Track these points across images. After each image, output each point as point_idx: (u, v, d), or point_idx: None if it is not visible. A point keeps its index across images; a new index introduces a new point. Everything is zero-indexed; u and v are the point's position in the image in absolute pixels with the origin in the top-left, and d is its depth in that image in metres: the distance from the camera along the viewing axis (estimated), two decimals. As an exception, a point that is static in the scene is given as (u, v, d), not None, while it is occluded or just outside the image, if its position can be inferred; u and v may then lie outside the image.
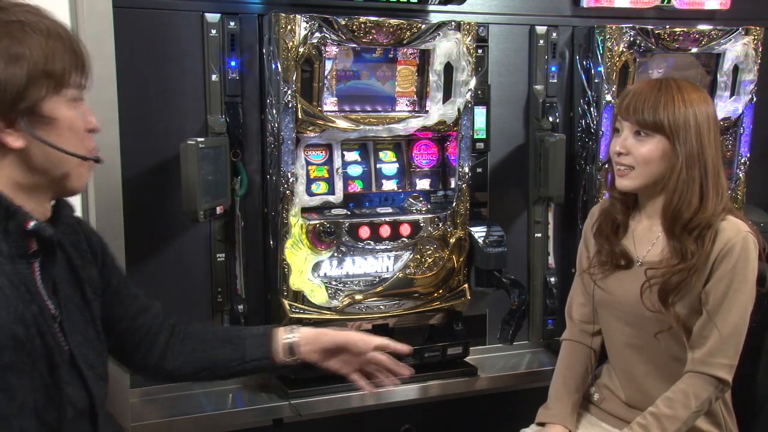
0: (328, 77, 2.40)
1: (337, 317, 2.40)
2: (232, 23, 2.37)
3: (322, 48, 2.31)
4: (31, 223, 1.32)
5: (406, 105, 2.54)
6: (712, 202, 1.91)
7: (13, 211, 1.31)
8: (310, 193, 2.44)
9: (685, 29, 2.70)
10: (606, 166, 2.14)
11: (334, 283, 2.41)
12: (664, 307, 1.92)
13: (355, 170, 2.54)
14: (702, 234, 1.91)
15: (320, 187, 2.47)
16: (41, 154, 1.33)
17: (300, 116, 2.30)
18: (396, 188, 2.58)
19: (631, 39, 2.64)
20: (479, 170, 2.71)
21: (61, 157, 1.35)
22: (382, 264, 2.46)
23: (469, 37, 2.46)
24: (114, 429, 1.62)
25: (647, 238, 2.03)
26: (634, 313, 1.99)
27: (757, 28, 2.80)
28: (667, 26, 2.70)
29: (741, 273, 1.89)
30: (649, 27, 2.67)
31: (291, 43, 2.24)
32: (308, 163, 2.44)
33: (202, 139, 2.21)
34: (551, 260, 2.84)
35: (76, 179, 1.40)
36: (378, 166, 2.57)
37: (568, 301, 2.25)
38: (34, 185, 1.36)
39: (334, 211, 2.44)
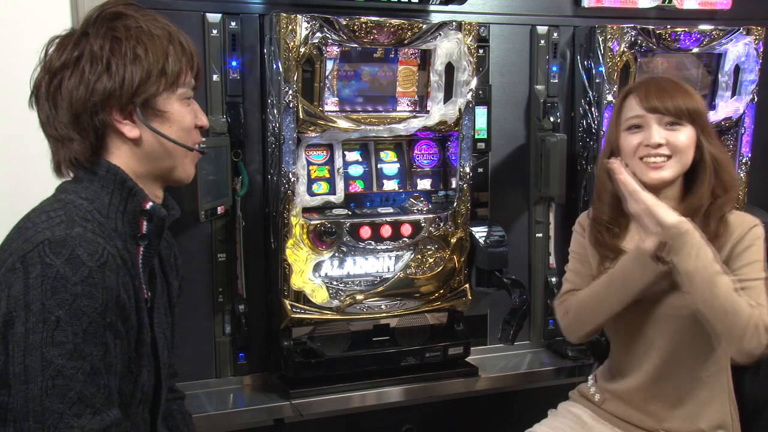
0: (329, 77, 2.40)
1: (338, 317, 2.40)
2: (233, 23, 2.37)
3: (323, 48, 2.31)
4: (149, 204, 1.45)
5: (407, 105, 2.54)
6: (729, 175, 2.00)
7: (136, 191, 1.45)
8: (311, 193, 2.44)
9: (686, 29, 2.70)
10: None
11: (335, 283, 2.41)
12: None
13: (356, 170, 2.54)
14: (722, 218, 1.95)
15: (321, 187, 2.47)
16: (153, 144, 1.46)
17: (301, 116, 2.30)
18: (397, 188, 2.58)
19: (632, 39, 2.64)
20: (480, 170, 2.71)
21: (170, 147, 1.48)
22: (383, 264, 2.46)
23: (470, 37, 2.46)
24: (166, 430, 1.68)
25: None
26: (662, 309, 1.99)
27: (759, 27, 2.80)
28: (668, 26, 2.70)
29: (760, 247, 1.94)
30: (650, 27, 2.67)
31: (292, 43, 2.24)
32: (309, 163, 2.44)
33: (203, 139, 2.20)
34: (552, 260, 2.83)
35: (182, 170, 1.53)
36: (379, 166, 2.57)
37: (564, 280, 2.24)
38: (147, 173, 1.49)
39: (335, 211, 2.44)
